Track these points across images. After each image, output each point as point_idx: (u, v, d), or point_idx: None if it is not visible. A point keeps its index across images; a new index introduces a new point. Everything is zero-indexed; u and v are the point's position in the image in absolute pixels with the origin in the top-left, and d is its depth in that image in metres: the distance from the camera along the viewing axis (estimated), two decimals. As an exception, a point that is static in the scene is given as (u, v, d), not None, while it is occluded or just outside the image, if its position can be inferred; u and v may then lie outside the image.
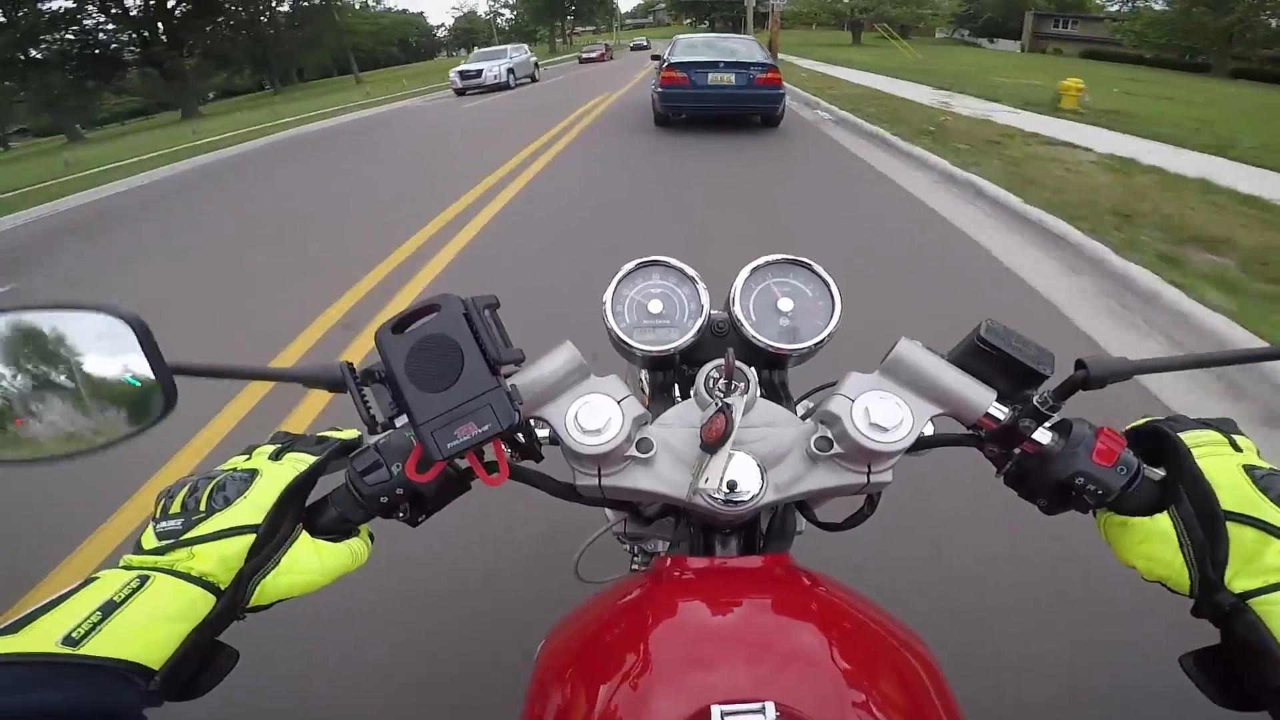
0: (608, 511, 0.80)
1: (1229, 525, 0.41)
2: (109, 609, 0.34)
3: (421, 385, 0.42)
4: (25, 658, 0.31)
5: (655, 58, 10.09)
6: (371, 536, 0.51)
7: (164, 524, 0.41)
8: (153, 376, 0.39)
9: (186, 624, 0.37)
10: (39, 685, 0.30)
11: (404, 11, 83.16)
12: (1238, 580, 0.40)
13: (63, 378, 0.39)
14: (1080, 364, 0.47)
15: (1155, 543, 0.43)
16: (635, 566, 0.98)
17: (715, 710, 0.36)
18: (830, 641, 0.44)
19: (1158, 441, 0.47)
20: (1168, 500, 0.44)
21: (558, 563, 1.50)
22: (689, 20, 74.52)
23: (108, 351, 0.39)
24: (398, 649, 1.44)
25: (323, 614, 1.38)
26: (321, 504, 0.48)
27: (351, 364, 0.45)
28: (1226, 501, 0.41)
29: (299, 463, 0.46)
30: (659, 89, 7.98)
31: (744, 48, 8.43)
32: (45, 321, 0.39)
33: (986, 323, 0.49)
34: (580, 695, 0.45)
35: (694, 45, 8.53)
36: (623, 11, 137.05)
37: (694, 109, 7.96)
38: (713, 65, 7.63)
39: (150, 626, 0.35)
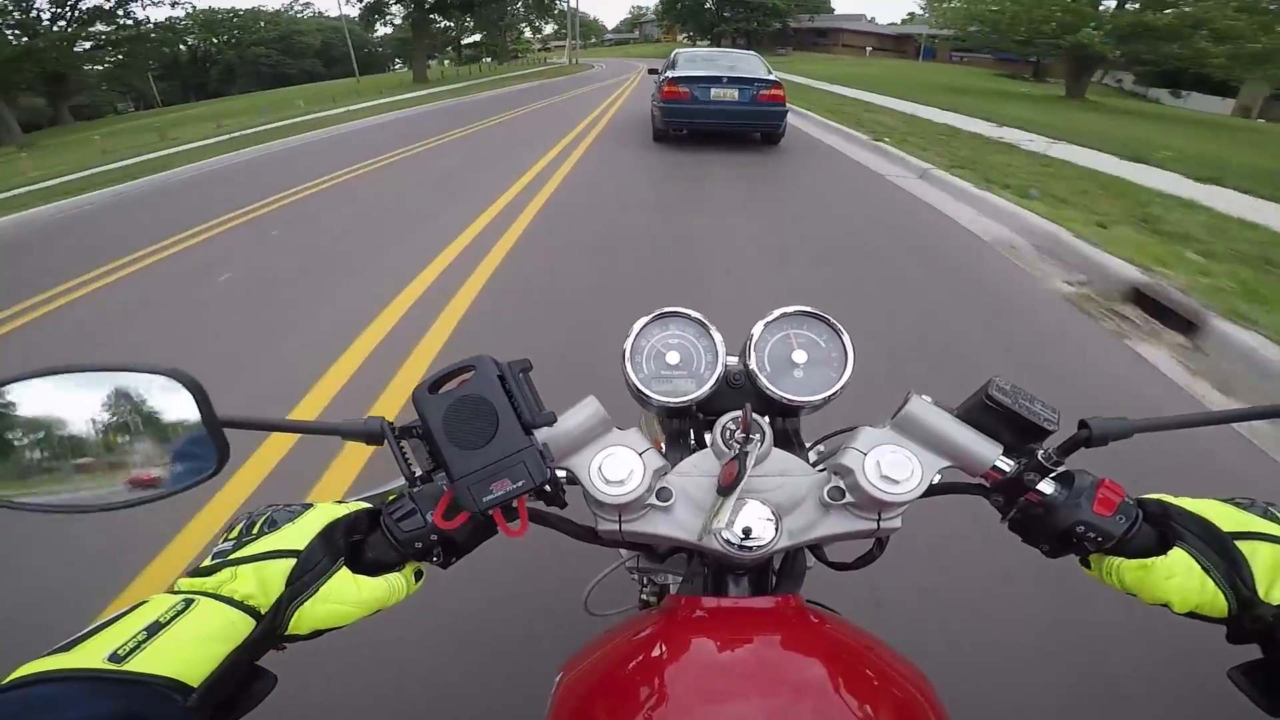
0: (621, 549, 0.82)
1: (1239, 545, 0.44)
2: (154, 629, 0.36)
3: (458, 443, 0.44)
4: (74, 673, 0.33)
5: (653, 71, 10.00)
6: (419, 574, 0.51)
7: (221, 546, 0.44)
8: (207, 433, 0.42)
9: (226, 645, 0.38)
10: (85, 700, 0.32)
11: (320, 15, 66.14)
12: (1273, 591, 0.42)
13: (124, 434, 0.42)
14: (1083, 424, 0.50)
15: (1182, 576, 0.45)
16: (644, 598, 0.99)
17: None
18: (838, 678, 0.46)
19: (1139, 506, 0.50)
20: (1171, 540, 0.47)
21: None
22: (687, 36, 64.52)
23: (166, 410, 0.42)
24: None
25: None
26: (361, 545, 0.49)
27: (391, 422, 0.47)
28: (1226, 525, 0.45)
29: (354, 507, 0.48)
30: (660, 103, 7.81)
31: (747, 63, 8.30)
32: (109, 381, 0.42)
33: (995, 381, 0.51)
34: None
35: (695, 59, 8.41)
36: (596, 23, 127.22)
37: (695, 124, 7.84)
38: (715, 80, 7.50)
39: (191, 646, 0.36)
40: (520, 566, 1.66)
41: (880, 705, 0.46)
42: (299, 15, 64.92)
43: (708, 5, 58.16)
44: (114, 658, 0.34)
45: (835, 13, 72.26)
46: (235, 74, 55.37)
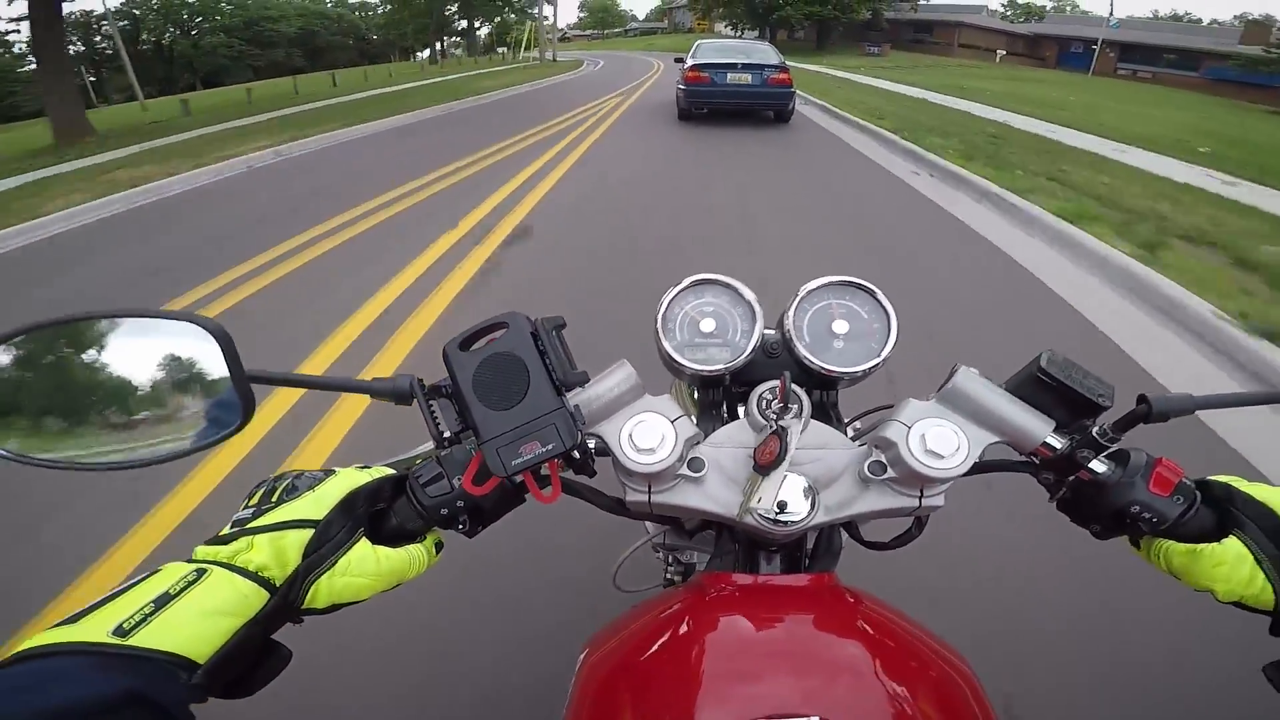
0: (648, 523, 0.81)
1: None
2: (162, 601, 0.35)
3: (488, 402, 0.43)
4: (78, 647, 0.32)
5: (679, 60, 11.07)
6: (439, 546, 0.50)
7: (240, 513, 0.42)
8: (233, 386, 0.41)
9: (237, 619, 0.37)
10: (87, 675, 0.31)
11: None
12: None
13: (148, 384, 0.41)
14: (1142, 398, 0.47)
15: (1231, 564, 0.44)
16: (669, 576, 0.98)
17: None
18: (876, 658, 0.44)
19: (1202, 487, 0.48)
20: (1228, 526, 0.45)
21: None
22: (730, 25, 47.40)
23: (191, 359, 0.41)
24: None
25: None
26: (384, 513, 0.48)
27: (421, 379, 0.46)
28: None
29: (379, 473, 0.47)
30: (683, 86, 9.23)
31: (759, 51, 9.72)
32: (135, 327, 0.41)
33: (1047, 354, 0.49)
34: (625, 707, 0.45)
35: (715, 48, 9.80)
36: (629, 14, 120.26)
37: (714, 104, 9.19)
38: (731, 66, 8.89)
39: (199, 620, 0.35)
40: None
41: (920, 686, 0.44)
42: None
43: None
44: (119, 631, 0.33)
45: (945, 1, 49.11)
46: (195, 68, 47.01)
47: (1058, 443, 0.49)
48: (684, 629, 0.49)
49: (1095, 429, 0.47)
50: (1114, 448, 0.48)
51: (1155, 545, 0.48)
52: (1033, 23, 48.45)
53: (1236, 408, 0.48)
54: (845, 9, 38.88)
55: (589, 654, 0.54)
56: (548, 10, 37.07)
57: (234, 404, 0.42)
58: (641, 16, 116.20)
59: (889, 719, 0.40)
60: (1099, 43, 32.22)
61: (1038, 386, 0.49)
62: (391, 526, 0.48)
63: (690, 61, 9.14)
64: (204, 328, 0.40)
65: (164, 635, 0.34)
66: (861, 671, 0.44)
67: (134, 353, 0.41)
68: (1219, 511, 0.46)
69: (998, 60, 38.07)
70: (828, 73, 21.18)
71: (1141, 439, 0.47)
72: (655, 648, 0.49)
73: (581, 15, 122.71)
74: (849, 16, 39.58)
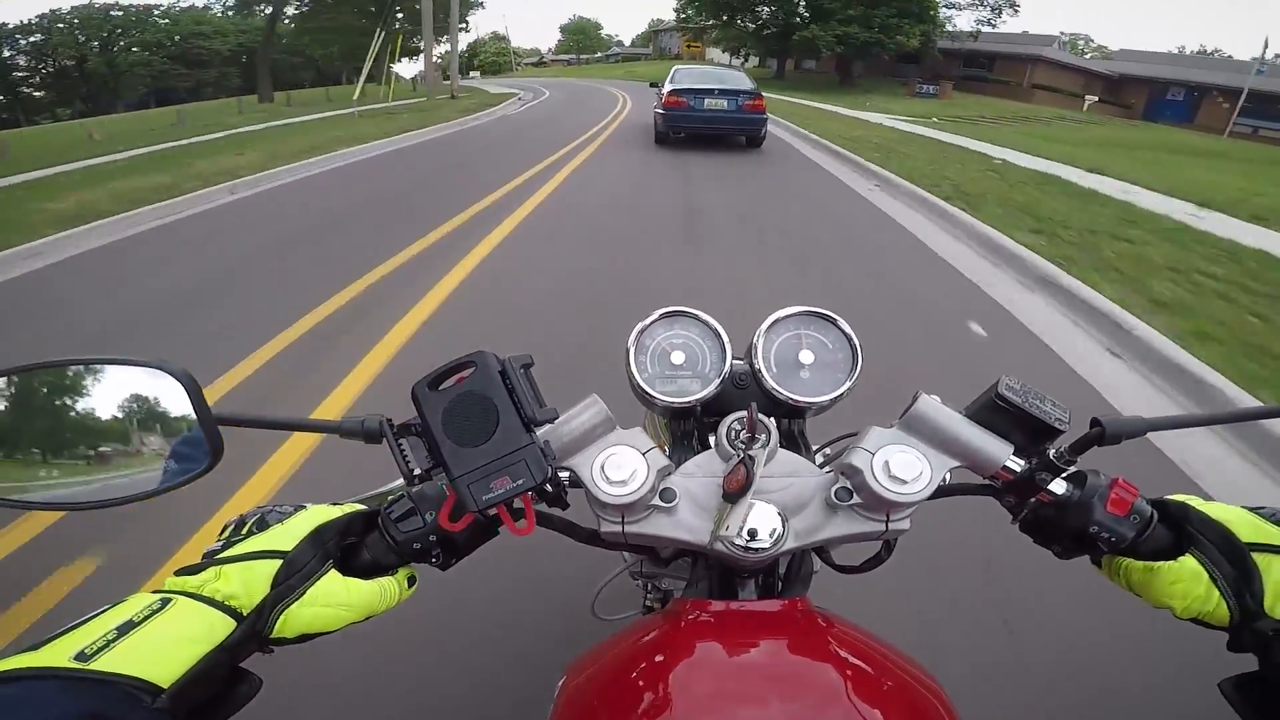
0: (625, 553, 0.81)
1: (1255, 556, 0.43)
2: (126, 628, 0.35)
3: (457, 440, 0.43)
4: (36, 672, 0.32)
5: (653, 85, 11.50)
6: (412, 580, 0.50)
7: (211, 546, 0.43)
8: (200, 429, 0.41)
9: (202, 646, 0.37)
10: (47, 699, 0.31)
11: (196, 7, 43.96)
12: (1278, 607, 0.42)
13: (114, 428, 0.41)
14: (1096, 422, 0.49)
15: (1188, 582, 0.45)
16: (649, 604, 0.98)
17: None
18: (848, 681, 0.45)
19: (1159, 507, 0.49)
20: (1185, 545, 0.46)
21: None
22: (736, 54, 34.71)
23: (159, 404, 0.41)
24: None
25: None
26: (356, 548, 0.49)
27: (389, 419, 0.46)
28: (1245, 535, 0.44)
29: (349, 509, 0.48)
30: (662, 110, 9.33)
31: (733, 78, 9.95)
32: (101, 374, 0.41)
33: (1005, 380, 0.50)
34: None
35: (692, 74, 10.09)
36: (613, 38, 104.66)
37: (691, 128, 9.35)
38: (708, 92, 9.05)
39: (163, 646, 0.35)
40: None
41: (892, 708, 0.45)
42: (208, 12, 44.66)
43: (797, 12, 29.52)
44: (80, 656, 0.33)
45: (1006, 28, 34.77)
46: (110, 87, 41.01)
47: (1017, 466, 0.50)
48: (660, 655, 0.50)
49: (1053, 452, 0.49)
50: (1071, 470, 0.49)
51: (1115, 563, 0.50)
52: (1114, 59, 37.98)
53: (1191, 428, 0.50)
54: (890, 31, 27.17)
55: (567, 680, 0.54)
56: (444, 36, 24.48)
57: (203, 444, 0.42)
58: (628, 42, 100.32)
59: None
60: (1211, 90, 24.85)
61: (996, 412, 0.50)
62: (365, 561, 0.48)
63: (669, 86, 9.34)
64: (170, 373, 0.40)
65: (127, 660, 0.33)
66: (834, 694, 0.44)
67: (101, 398, 0.41)
68: (1176, 530, 0.48)
69: (1085, 108, 28.36)
70: (877, 121, 14.22)
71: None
72: (633, 673, 0.50)
73: (561, 39, 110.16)
74: (893, 43, 27.59)
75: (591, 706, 0.49)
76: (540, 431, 0.47)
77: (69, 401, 0.41)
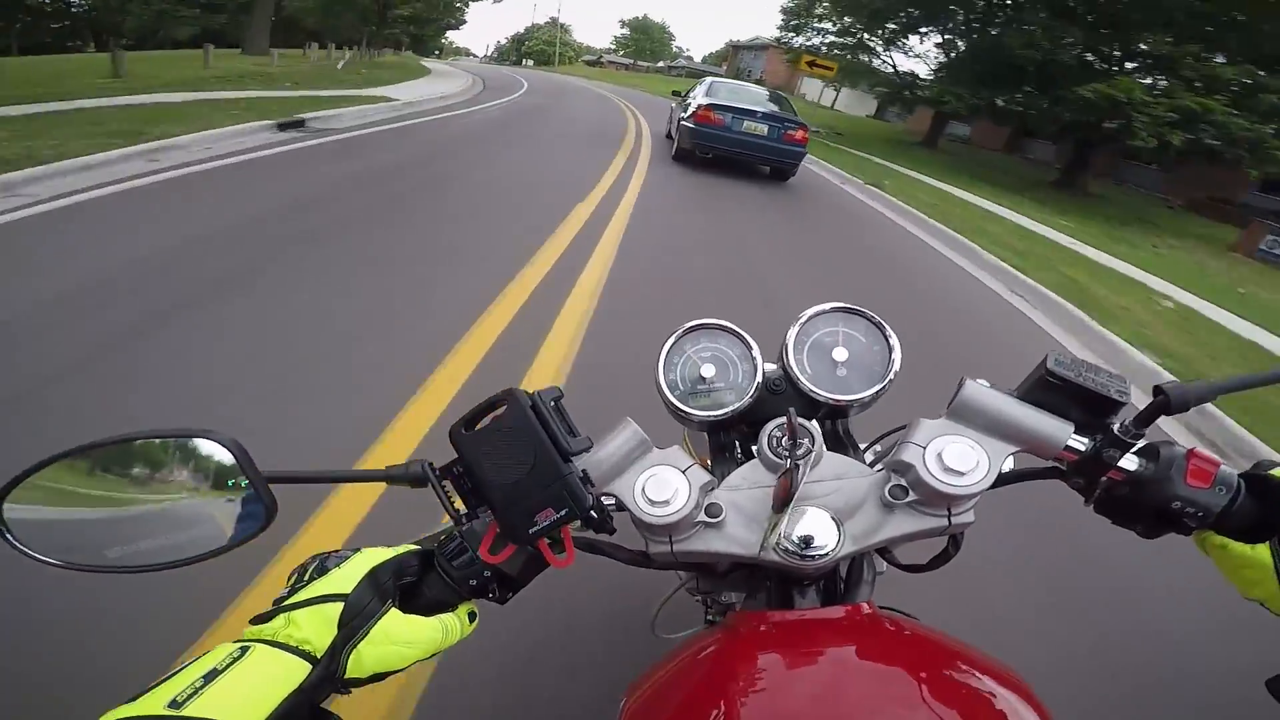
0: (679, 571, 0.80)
1: None
2: (211, 675, 0.37)
3: (498, 476, 0.44)
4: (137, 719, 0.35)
5: (676, 93, 10.36)
6: (473, 615, 0.51)
7: (280, 594, 0.45)
8: (254, 491, 0.43)
9: (282, 689, 0.39)
10: None
11: None
12: None
13: (175, 495, 0.43)
14: (1159, 390, 0.46)
15: (1254, 569, 0.44)
16: (709, 618, 0.96)
17: None
18: (922, 684, 0.43)
19: (1259, 481, 0.46)
20: (1272, 531, 0.44)
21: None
22: (880, 94, 21.98)
23: (214, 470, 0.43)
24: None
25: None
26: (417, 588, 0.50)
27: (431, 463, 0.47)
28: None
29: (403, 549, 0.49)
30: (690, 124, 7.99)
31: (777, 101, 8.72)
32: (157, 446, 0.43)
33: (1053, 355, 0.48)
34: None
35: (731, 90, 8.74)
36: (682, 50, 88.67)
37: (722, 150, 8.03)
38: (749, 113, 7.87)
39: (245, 691, 0.38)
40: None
41: (973, 709, 0.43)
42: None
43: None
44: (173, 704, 0.35)
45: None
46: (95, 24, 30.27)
47: (1080, 445, 0.47)
48: (719, 670, 0.49)
49: (1117, 426, 0.46)
50: (1140, 444, 0.47)
51: (1200, 535, 0.47)
52: None
53: (1257, 388, 0.47)
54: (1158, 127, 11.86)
55: (629, 701, 0.54)
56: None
57: (257, 505, 0.43)
58: (698, 57, 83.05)
59: None
60: None
61: (1049, 389, 0.48)
62: (426, 599, 0.49)
63: (704, 99, 8.10)
64: (219, 442, 0.42)
65: (213, 705, 0.36)
66: (908, 699, 0.42)
67: (159, 469, 0.43)
68: (1267, 513, 0.45)
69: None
70: (1215, 320, 5.51)
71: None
72: (693, 689, 0.49)
73: (621, 34, 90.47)
74: (1145, 137, 12.06)
75: None
76: (579, 461, 0.47)
77: (129, 474, 0.43)
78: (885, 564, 0.65)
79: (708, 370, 0.58)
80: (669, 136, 10.16)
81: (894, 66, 21.32)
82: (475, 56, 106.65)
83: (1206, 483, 0.44)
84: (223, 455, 0.43)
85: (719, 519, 0.50)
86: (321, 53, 19.14)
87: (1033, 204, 11.47)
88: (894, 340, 0.57)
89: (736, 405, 0.57)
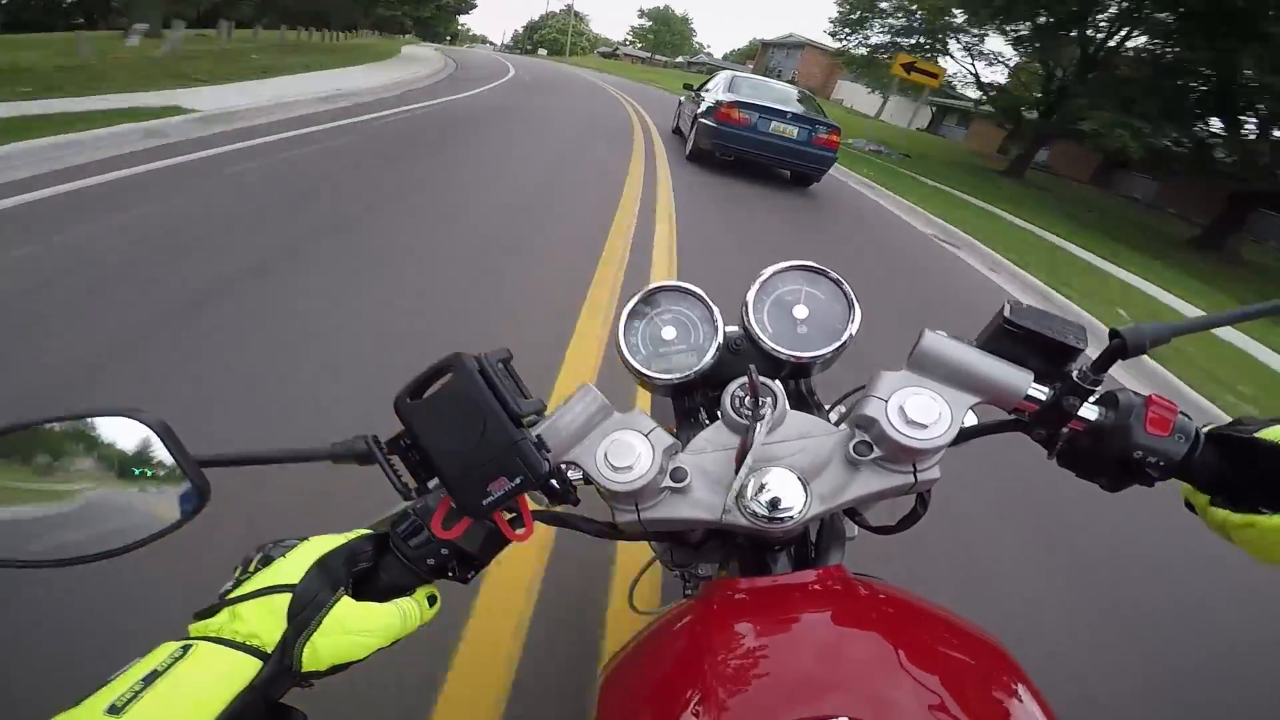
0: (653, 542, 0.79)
1: None
2: (151, 678, 0.35)
3: (447, 446, 0.42)
4: None
5: (687, 87, 9.52)
6: (432, 599, 0.49)
7: (224, 587, 0.42)
8: (183, 474, 0.40)
9: (229, 687, 0.37)
10: None
11: None
12: None
13: (94, 482, 0.40)
14: (1115, 333, 0.45)
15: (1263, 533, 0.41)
16: (689, 592, 0.96)
17: None
18: (898, 649, 0.42)
19: (1233, 447, 0.45)
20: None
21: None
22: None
23: (138, 453, 0.40)
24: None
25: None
26: (373, 572, 0.48)
27: (376, 436, 0.45)
28: None
29: (354, 534, 0.46)
30: (711, 123, 7.19)
31: (804, 100, 8.08)
32: (73, 430, 0.40)
33: (1010, 304, 0.48)
34: (648, 716, 0.45)
35: (756, 86, 8.09)
36: (703, 46, 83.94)
37: (745, 152, 7.23)
38: (779, 113, 7.14)
39: (189, 691, 0.36)
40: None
41: (952, 671, 0.42)
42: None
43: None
44: (112, 710, 0.33)
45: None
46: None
47: (1040, 394, 0.47)
48: (696, 640, 0.48)
49: (1075, 373, 0.46)
50: (1100, 391, 0.46)
51: (1220, 517, 0.45)
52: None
53: (1214, 328, 0.47)
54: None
55: (606, 675, 0.53)
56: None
57: (188, 490, 0.41)
58: (719, 54, 76.47)
59: (920, 710, 0.38)
60: None
61: (1007, 338, 0.48)
62: (383, 584, 0.47)
63: (726, 95, 7.30)
64: (143, 422, 0.39)
65: (155, 708, 0.34)
66: (884, 664, 0.42)
67: (82, 453, 0.40)
68: (1259, 480, 0.43)
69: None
70: None
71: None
72: (669, 660, 0.49)
73: (640, 24, 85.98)
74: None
75: (634, 698, 0.48)
76: (535, 428, 0.45)
77: (49, 461, 0.40)
78: (856, 528, 0.65)
79: (668, 332, 0.57)
80: (676, 131, 9.60)
81: (976, 76, 18.88)
82: (493, 45, 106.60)
83: (1165, 430, 0.44)
84: (148, 437, 0.40)
85: (684, 483, 0.49)
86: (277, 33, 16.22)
87: (1198, 280, 8.46)
88: (854, 297, 0.56)
89: (698, 367, 0.56)
